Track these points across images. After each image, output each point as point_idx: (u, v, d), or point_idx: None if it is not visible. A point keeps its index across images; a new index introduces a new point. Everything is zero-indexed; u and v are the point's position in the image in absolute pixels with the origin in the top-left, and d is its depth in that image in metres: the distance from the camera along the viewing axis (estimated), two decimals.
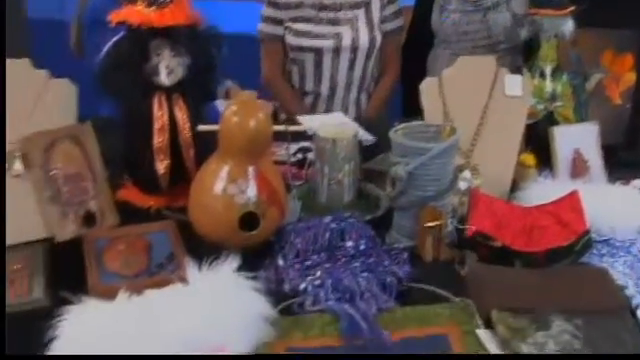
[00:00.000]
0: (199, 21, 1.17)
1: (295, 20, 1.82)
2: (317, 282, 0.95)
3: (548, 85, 1.32)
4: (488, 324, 0.88)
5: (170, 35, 1.14)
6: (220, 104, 1.65)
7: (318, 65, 1.83)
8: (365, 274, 0.96)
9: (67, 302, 0.87)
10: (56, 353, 0.79)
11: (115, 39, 1.14)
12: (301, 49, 1.83)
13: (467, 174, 1.19)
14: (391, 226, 1.11)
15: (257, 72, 1.95)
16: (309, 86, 1.87)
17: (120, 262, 1.01)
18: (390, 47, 1.89)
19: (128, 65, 1.14)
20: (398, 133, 1.07)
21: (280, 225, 1.08)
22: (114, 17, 1.14)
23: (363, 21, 1.82)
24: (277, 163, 1.27)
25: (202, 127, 1.14)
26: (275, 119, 1.78)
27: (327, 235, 1.03)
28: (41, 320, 0.84)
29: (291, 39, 1.83)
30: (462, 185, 1.16)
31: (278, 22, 1.84)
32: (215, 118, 1.48)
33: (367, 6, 1.83)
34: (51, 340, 0.81)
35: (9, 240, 1.06)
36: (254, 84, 1.94)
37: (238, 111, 1.06)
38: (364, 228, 1.06)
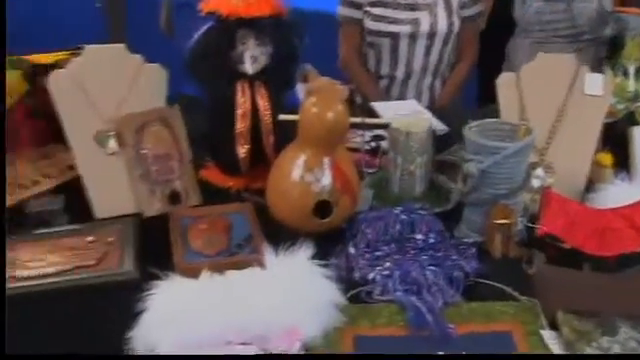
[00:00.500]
0: (283, 12, 1.20)
1: (374, 4, 1.83)
2: (386, 272, 0.98)
3: (631, 84, 1.29)
4: (553, 325, 0.89)
5: (255, 25, 1.18)
6: (298, 88, 1.69)
7: (394, 50, 1.84)
8: (433, 267, 0.99)
9: (154, 276, 0.94)
10: (145, 325, 0.85)
11: (204, 29, 1.19)
12: (378, 33, 1.84)
13: (540, 172, 1.19)
14: (461, 220, 1.13)
15: (331, 50, 1.97)
16: (384, 70, 1.88)
17: (202, 241, 1.07)
18: (468, 33, 1.87)
19: (215, 53, 1.19)
20: (472, 130, 1.08)
21: (352, 213, 1.12)
22: (205, 7, 1.19)
23: (442, 7, 1.81)
24: (351, 150, 1.31)
25: (282, 116, 1.18)
26: (351, 102, 1.80)
27: (397, 227, 1.06)
28: (130, 291, 0.92)
29: (369, 23, 1.84)
30: (535, 183, 1.16)
31: (357, 6, 1.85)
32: (294, 101, 1.53)
33: None
34: (141, 312, 0.87)
35: (104, 213, 1.15)
36: (329, 63, 1.97)
37: (317, 103, 1.09)
38: (434, 221, 1.08)
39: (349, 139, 1.32)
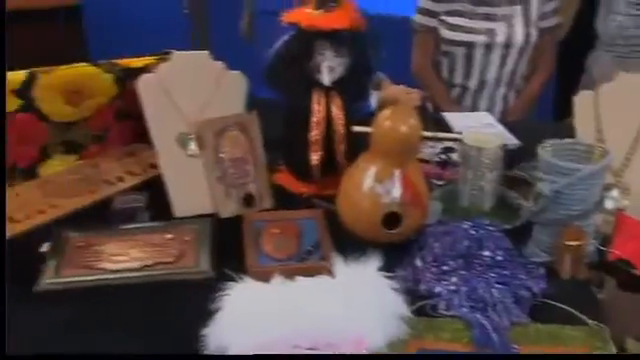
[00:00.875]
0: (361, 25, 1.23)
1: (450, 13, 1.82)
2: (452, 287, 0.99)
3: None
4: (621, 352, 0.88)
5: (334, 37, 1.21)
6: (373, 95, 1.71)
7: (469, 59, 1.83)
8: (500, 285, 0.99)
9: (228, 276, 0.98)
10: (219, 324, 0.90)
11: (284, 39, 1.23)
12: (453, 42, 1.83)
13: (615, 193, 1.16)
14: (529, 238, 1.12)
15: (402, 54, 1.97)
16: (458, 79, 1.88)
17: (274, 245, 1.11)
18: (545, 44, 1.85)
19: (294, 63, 1.22)
20: (546, 150, 1.07)
21: (421, 226, 1.13)
22: (286, 17, 1.22)
23: (520, 17, 1.79)
24: (421, 161, 1.32)
25: (356, 128, 1.21)
26: (422, 110, 1.81)
27: (465, 242, 1.06)
28: (205, 290, 0.96)
29: (444, 32, 1.84)
30: (609, 204, 1.14)
31: (433, 14, 1.86)
32: (366, 108, 1.55)
33: (526, 2, 1.79)
34: (215, 311, 0.92)
35: (183, 212, 1.20)
36: (400, 67, 1.97)
37: (391, 116, 1.11)
38: (502, 239, 1.08)
39: (420, 150, 1.33)
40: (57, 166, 1.27)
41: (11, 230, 1.13)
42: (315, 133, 1.25)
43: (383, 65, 1.68)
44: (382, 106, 1.70)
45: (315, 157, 1.26)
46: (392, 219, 1.10)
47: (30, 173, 1.23)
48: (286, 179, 1.33)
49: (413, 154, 1.14)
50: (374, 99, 1.74)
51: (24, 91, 1.17)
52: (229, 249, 1.11)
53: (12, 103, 1.16)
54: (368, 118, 1.15)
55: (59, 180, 1.24)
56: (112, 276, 1.03)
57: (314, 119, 1.25)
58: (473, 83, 1.85)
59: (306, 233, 1.15)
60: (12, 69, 1.18)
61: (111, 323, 0.96)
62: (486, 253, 1.05)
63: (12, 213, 1.15)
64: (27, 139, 1.21)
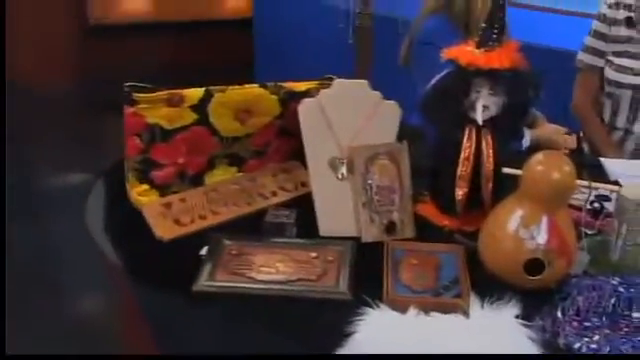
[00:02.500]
0: (521, 65, 1.21)
1: (619, 55, 1.73)
2: (594, 346, 0.94)
3: None
4: None
5: (492, 76, 1.20)
6: (526, 133, 1.67)
7: (636, 103, 1.72)
8: None
9: (365, 301, 1.01)
10: (353, 347, 0.93)
11: (442, 74, 1.24)
12: (619, 85, 1.74)
13: None
14: None
15: (562, 90, 1.89)
16: (621, 123, 1.78)
17: (412, 275, 1.12)
18: None
19: (450, 99, 1.23)
20: None
21: (565, 276, 1.09)
22: (446, 54, 1.23)
23: None
24: (571, 206, 1.26)
25: (507, 170, 1.18)
26: (578, 153, 1.73)
27: (612, 300, 1.01)
28: (342, 311, 1.00)
29: (610, 73, 1.75)
30: None
31: (600, 54, 1.77)
32: (519, 146, 1.52)
33: None
34: (350, 334, 0.95)
35: (328, 232, 1.25)
36: (559, 104, 1.90)
37: (544, 161, 1.08)
38: None
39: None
40: (220, 176, 1.37)
41: (176, 232, 1.24)
42: (463, 168, 1.24)
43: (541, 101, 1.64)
44: (536, 145, 1.66)
45: (460, 192, 1.25)
46: (535, 265, 1.07)
47: (197, 180, 1.34)
48: (429, 211, 1.34)
49: (564, 201, 1.10)
50: (527, 137, 1.70)
51: (200, 107, 1.28)
52: (368, 274, 1.13)
53: (188, 117, 1.28)
54: (519, 156, 1.12)
55: (221, 189, 1.35)
56: (259, 286, 1.10)
57: (463, 154, 1.24)
58: (637, 127, 1.74)
59: (445, 267, 1.15)
60: (188, 84, 1.30)
61: (254, 329, 1.02)
62: (636, 315, 0.99)
63: (178, 216, 1.27)
64: (198, 150, 1.32)
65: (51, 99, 3.43)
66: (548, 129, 1.82)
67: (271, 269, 1.14)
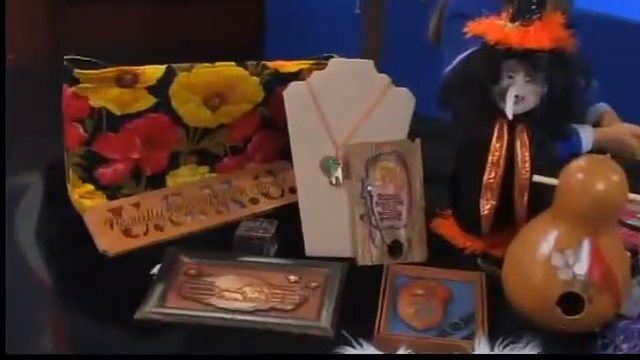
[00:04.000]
0: (567, 46, 1.21)
1: None
2: None
3: None
4: None
5: (528, 59, 1.21)
6: (586, 133, 1.67)
7: None
8: None
9: (348, 340, 1.03)
10: None
11: (465, 55, 1.25)
12: None
13: None
14: None
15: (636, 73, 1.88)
16: None
17: (414, 309, 1.13)
18: None
19: (475, 86, 1.24)
20: None
21: (610, 317, 1.09)
22: (471, 29, 1.25)
23: None
24: (624, 225, 1.26)
25: (538, 177, 1.19)
26: None
27: None
28: (320, 348, 1.03)
29: None
30: None
31: None
32: (572, 150, 1.51)
33: None
34: None
35: (315, 252, 1.27)
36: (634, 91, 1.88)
37: (585, 168, 1.08)
38: None
39: (627, 214, 1.28)
40: (187, 177, 1.41)
41: (125, 245, 1.28)
42: (490, 176, 1.25)
43: (607, 92, 1.62)
44: (600, 149, 1.65)
45: (487, 206, 1.26)
46: (571, 302, 1.08)
47: (156, 181, 1.38)
48: (448, 228, 1.35)
49: (611, 221, 1.10)
50: (589, 138, 1.69)
51: (159, 88, 1.32)
52: (359, 303, 1.15)
53: (145, 101, 1.31)
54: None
55: (186, 193, 1.38)
56: (219, 315, 1.12)
57: (492, 158, 1.25)
58: None
59: (457, 301, 1.16)
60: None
61: None
62: None
63: (129, 225, 1.31)
64: (158, 143, 1.36)
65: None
66: (619, 129, 1.81)
67: (237, 295, 1.16)
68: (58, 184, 1.39)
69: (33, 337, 1.12)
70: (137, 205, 1.34)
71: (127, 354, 1.06)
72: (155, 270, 1.21)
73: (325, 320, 1.12)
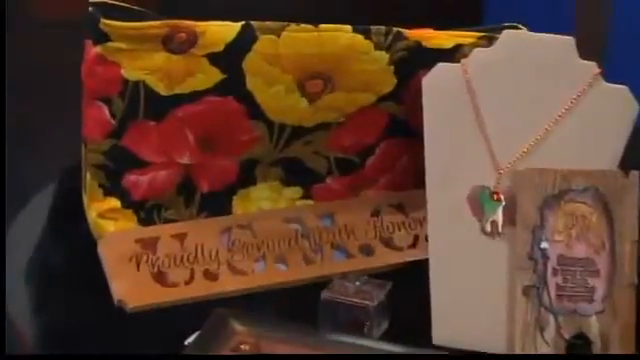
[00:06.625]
0: None
1: None
2: None
3: None
4: None
5: None
6: None
7: None
8: None
9: None
10: None
11: None
12: None
13: None
14: None
15: None
16: None
17: None
18: None
19: None
20: None
21: None
22: None
23: None
24: None
25: None
26: None
27: None
28: None
29: None
30: None
31: None
32: None
33: None
34: None
35: (445, 341, 1.25)
36: None
37: None
38: None
39: None
40: (264, 201, 1.42)
41: (154, 296, 1.29)
42: None
43: None
44: None
45: None
46: None
47: (217, 204, 1.40)
48: None
49: None
50: None
51: (229, 58, 1.32)
52: None
53: (205, 76, 1.32)
54: None
55: (261, 228, 1.39)
56: None
57: None
58: None
59: None
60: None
61: None
62: None
63: (166, 268, 1.32)
64: (221, 143, 1.37)
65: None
66: None
67: None
68: (72, 197, 1.43)
69: None
70: (182, 237, 1.36)
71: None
72: (191, 339, 1.22)
73: None
